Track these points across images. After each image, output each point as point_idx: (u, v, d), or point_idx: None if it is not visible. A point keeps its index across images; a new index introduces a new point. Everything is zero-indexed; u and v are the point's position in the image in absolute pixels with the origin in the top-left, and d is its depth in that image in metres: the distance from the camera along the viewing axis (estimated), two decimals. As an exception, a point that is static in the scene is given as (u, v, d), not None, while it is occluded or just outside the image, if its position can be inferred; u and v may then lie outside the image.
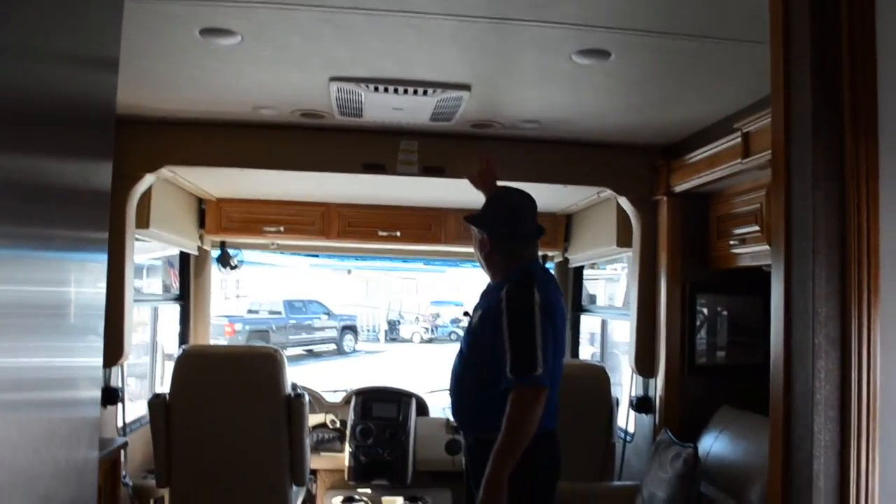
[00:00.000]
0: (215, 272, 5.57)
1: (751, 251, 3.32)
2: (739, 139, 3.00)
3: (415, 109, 3.19)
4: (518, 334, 2.50)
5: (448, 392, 2.86)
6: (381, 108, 3.18)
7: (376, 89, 2.89)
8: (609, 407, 3.98)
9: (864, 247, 1.31)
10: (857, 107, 1.33)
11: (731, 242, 3.45)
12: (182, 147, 3.67)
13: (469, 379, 2.72)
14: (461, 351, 2.79)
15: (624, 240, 4.13)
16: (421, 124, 3.50)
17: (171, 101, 3.30)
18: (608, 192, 4.05)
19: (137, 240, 3.91)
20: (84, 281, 1.26)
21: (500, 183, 3.02)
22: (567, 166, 3.86)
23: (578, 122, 3.45)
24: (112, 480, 3.40)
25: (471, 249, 5.30)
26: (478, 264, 2.97)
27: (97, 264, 1.30)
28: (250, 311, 22.16)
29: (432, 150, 3.74)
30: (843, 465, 1.29)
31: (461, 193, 4.49)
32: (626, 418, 4.12)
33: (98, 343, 1.28)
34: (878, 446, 1.29)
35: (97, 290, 1.28)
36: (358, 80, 2.84)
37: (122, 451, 3.66)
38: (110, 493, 3.38)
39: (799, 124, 1.39)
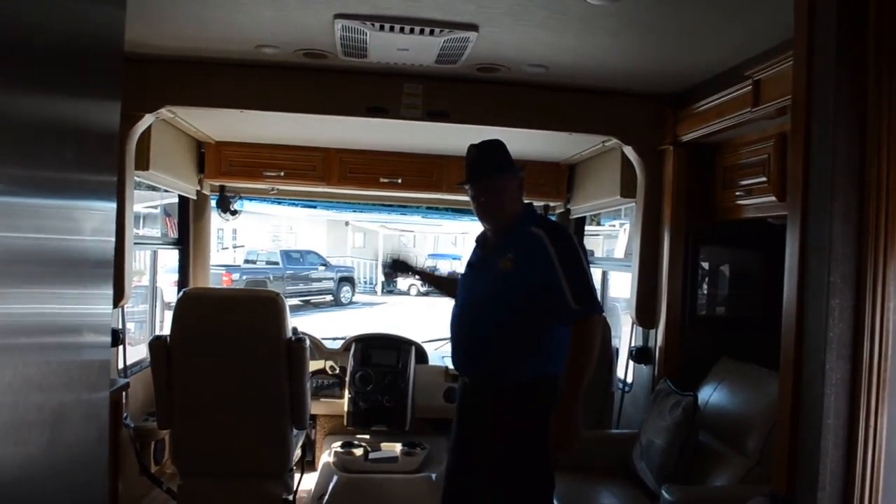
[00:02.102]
0: (215, 217, 5.53)
1: (756, 202, 3.29)
2: (749, 87, 2.96)
3: (421, 50, 3.12)
4: (573, 269, 2.63)
5: (463, 338, 2.84)
6: (386, 47, 3.12)
7: (382, 28, 2.83)
8: (609, 357, 3.99)
9: (883, 186, 1.28)
10: (883, 43, 1.29)
11: (737, 193, 3.42)
12: (183, 87, 3.60)
13: (508, 321, 2.70)
14: (485, 296, 2.77)
15: (628, 190, 4.10)
16: (426, 66, 3.43)
17: (172, 38, 3.23)
18: (613, 142, 4.01)
19: (138, 185, 3.88)
20: (94, 229, 1.24)
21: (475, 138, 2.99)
22: (573, 114, 3.81)
23: (586, 68, 3.38)
24: (114, 421, 3.42)
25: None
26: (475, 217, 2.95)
27: (106, 212, 1.27)
28: (247, 261, 22.21)
29: (437, 93, 3.68)
30: (853, 404, 1.28)
31: (465, 140, 4.44)
32: (624, 369, 4.14)
33: (108, 290, 1.26)
34: (888, 386, 1.29)
35: (107, 238, 1.26)
36: (363, 18, 2.78)
37: (124, 393, 3.67)
38: (112, 435, 3.39)
39: (822, 60, 1.35)
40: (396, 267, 3.54)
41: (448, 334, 2.98)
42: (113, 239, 1.28)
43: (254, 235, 26.07)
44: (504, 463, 2.71)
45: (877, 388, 1.28)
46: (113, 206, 1.28)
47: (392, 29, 2.84)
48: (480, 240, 2.95)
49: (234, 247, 26.07)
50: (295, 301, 21.22)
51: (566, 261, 2.64)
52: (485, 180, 2.79)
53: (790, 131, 1.47)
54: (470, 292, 2.84)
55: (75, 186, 1.16)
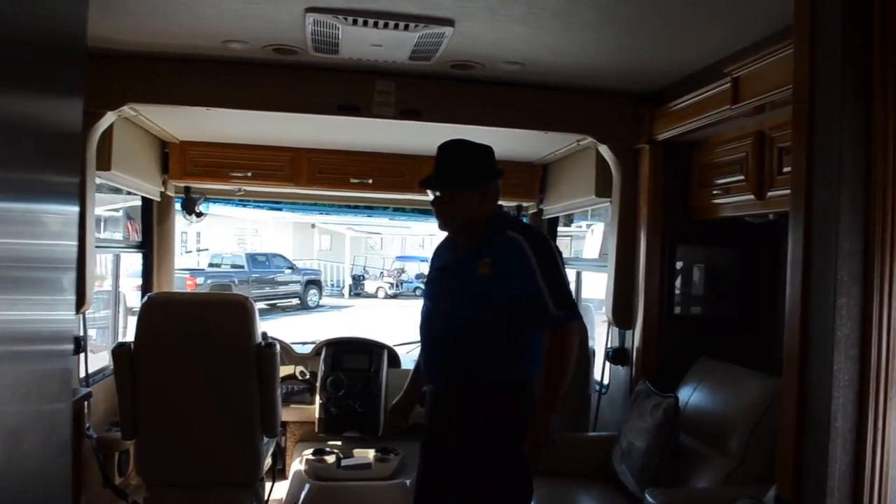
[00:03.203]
0: (179, 220, 5.39)
1: (734, 201, 3.27)
2: (728, 84, 2.93)
3: (394, 46, 3.04)
4: (553, 275, 2.59)
5: (436, 343, 2.75)
6: (358, 43, 3.03)
7: (355, 22, 2.74)
8: (585, 359, 3.94)
9: (890, 178, 1.23)
10: (889, 29, 1.24)
11: (714, 192, 3.40)
12: (146, 84, 3.47)
13: (485, 325, 2.62)
14: (460, 300, 2.68)
15: (603, 189, 4.06)
16: (399, 63, 3.35)
17: (136, 32, 3.10)
18: (588, 141, 3.96)
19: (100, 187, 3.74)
20: (55, 232, 1.15)
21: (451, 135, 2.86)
22: (549, 112, 3.75)
23: (564, 65, 3.33)
24: (76, 432, 3.26)
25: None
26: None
27: (67, 215, 1.19)
28: (212, 265, 21.97)
29: (410, 91, 3.60)
30: (861, 406, 1.23)
31: (437, 139, 4.37)
32: (601, 370, 4.10)
33: (70, 296, 1.17)
34: (897, 387, 1.24)
35: (69, 242, 1.17)
36: (336, 12, 2.68)
37: (86, 403, 3.53)
38: (74, 446, 3.23)
39: (826, 50, 1.30)
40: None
41: (418, 339, 2.91)
42: (75, 243, 1.19)
43: (218, 238, 25.74)
44: (480, 471, 2.64)
45: (885, 389, 1.23)
46: (75, 208, 1.20)
47: (365, 23, 2.75)
48: (450, 243, 2.85)
49: (199, 250, 25.73)
50: (261, 305, 20.95)
51: (546, 266, 2.60)
52: (442, 189, 2.71)
53: (793, 123, 1.41)
54: (443, 297, 2.75)
55: (35, 187, 1.07)
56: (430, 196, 2.75)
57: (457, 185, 2.66)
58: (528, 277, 2.57)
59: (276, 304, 21.73)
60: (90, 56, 3.32)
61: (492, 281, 2.61)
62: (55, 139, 1.15)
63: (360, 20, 2.73)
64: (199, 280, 19.82)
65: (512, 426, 2.60)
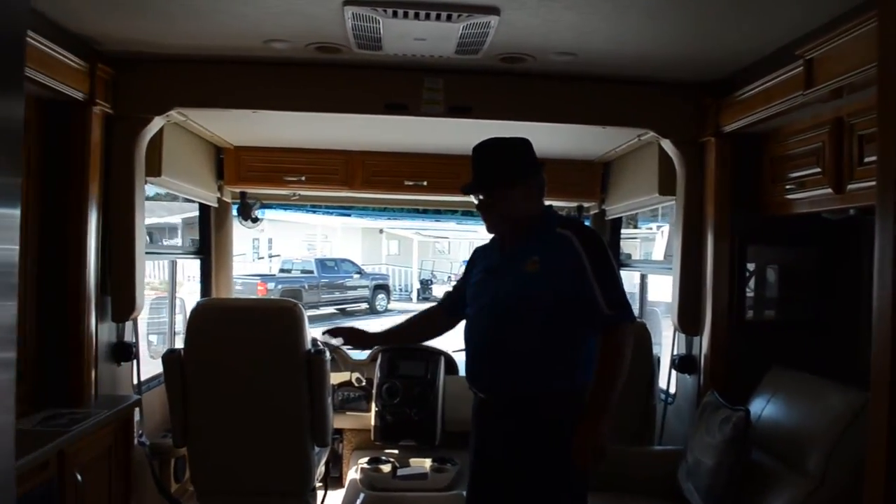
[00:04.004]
0: (237, 226, 5.39)
1: (809, 196, 3.01)
2: (801, 68, 2.68)
3: (438, 39, 2.90)
4: (605, 273, 2.47)
5: (483, 349, 2.60)
6: (401, 37, 2.90)
7: (395, 14, 2.61)
8: (650, 367, 3.72)
9: None
10: None
11: (787, 187, 3.14)
12: (191, 87, 3.43)
13: (535, 328, 2.49)
14: (508, 301, 2.54)
15: (667, 187, 3.83)
16: (446, 58, 3.20)
17: (178, 35, 3.06)
18: (649, 135, 3.74)
19: (149, 199, 3.73)
20: None
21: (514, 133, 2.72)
22: (605, 106, 3.55)
23: (619, 54, 3.13)
24: (123, 440, 3.24)
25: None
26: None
27: (3, 217, 1.11)
28: (282, 271, 22.32)
29: (459, 88, 3.46)
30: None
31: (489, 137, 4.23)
32: (667, 379, 3.86)
33: (9, 301, 1.09)
34: None
35: (8, 246, 1.09)
36: (374, 4, 2.56)
37: (138, 410, 3.51)
38: (122, 454, 3.22)
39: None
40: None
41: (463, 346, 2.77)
42: (14, 247, 1.12)
43: (289, 245, 26.18)
44: (533, 487, 2.49)
45: None
46: (14, 211, 1.11)
47: (406, 15, 2.62)
48: (496, 243, 2.72)
49: (270, 256, 26.23)
50: (330, 309, 21.29)
51: (598, 263, 2.46)
52: (480, 192, 2.59)
53: (878, 106, 1.21)
54: (489, 299, 2.61)
55: None
56: (474, 200, 2.64)
57: (492, 185, 2.55)
58: (578, 275, 2.44)
59: (344, 308, 21.96)
60: (134, 61, 3.37)
61: (540, 279, 2.48)
62: None
63: (400, 11, 2.60)
64: (270, 285, 20.12)
65: (566, 436, 2.44)
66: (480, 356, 2.61)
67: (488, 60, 3.22)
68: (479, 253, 2.84)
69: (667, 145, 3.65)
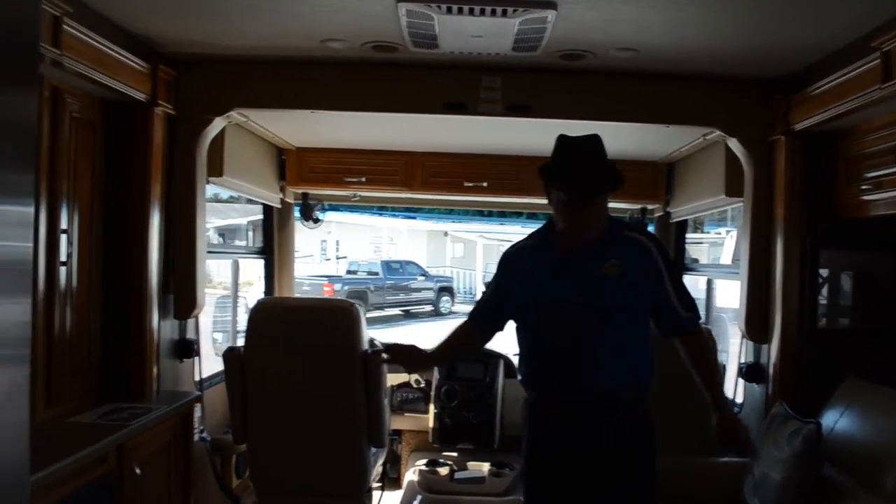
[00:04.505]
0: (304, 229, 5.46)
1: (888, 197, 2.84)
2: (878, 60, 2.53)
3: (495, 36, 2.85)
4: (678, 278, 2.61)
5: (556, 356, 2.53)
6: (457, 35, 2.86)
7: (449, 10, 2.57)
8: (715, 374, 3.58)
9: None
10: None
11: (864, 187, 2.97)
12: (250, 87, 3.47)
13: (616, 331, 2.51)
14: (585, 305, 2.48)
15: (734, 188, 3.68)
16: (503, 55, 3.15)
17: (235, 36, 3.10)
18: (715, 134, 3.60)
19: (222, 202, 3.79)
20: (7, 235, 1.08)
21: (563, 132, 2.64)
22: (669, 104, 3.43)
23: (683, 49, 3.02)
24: (183, 435, 3.29)
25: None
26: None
27: (19, 214, 1.12)
28: (349, 272, 22.58)
29: (517, 86, 3.40)
30: None
31: (550, 138, 4.14)
32: (733, 388, 3.71)
33: (22, 299, 1.09)
34: None
35: (21, 244, 1.09)
36: (428, 0, 2.53)
37: (199, 406, 3.57)
38: (181, 449, 3.26)
39: None
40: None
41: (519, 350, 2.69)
42: (28, 244, 1.11)
43: (356, 247, 26.48)
44: (635, 484, 2.51)
45: None
46: (28, 209, 1.11)
47: (460, 11, 2.58)
48: (544, 247, 2.61)
49: (338, 258, 26.57)
50: (395, 311, 21.45)
51: (671, 269, 2.57)
52: (594, 193, 2.48)
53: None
54: (565, 303, 2.51)
55: None
56: (549, 199, 2.54)
57: (612, 186, 2.49)
58: (656, 280, 2.51)
59: (409, 310, 22.09)
60: (194, 63, 3.42)
61: (622, 282, 2.47)
62: (9, 137, 1.06)
63: (455, 7, 2.56)
64: (337, 287, 20.39)
65: (643, 441, 2.53)
66: (562, 362, 2.52)
67: (547, 58, 3.15)
68: (516, 258, 2.71)
69: (734, 144, 3.51)
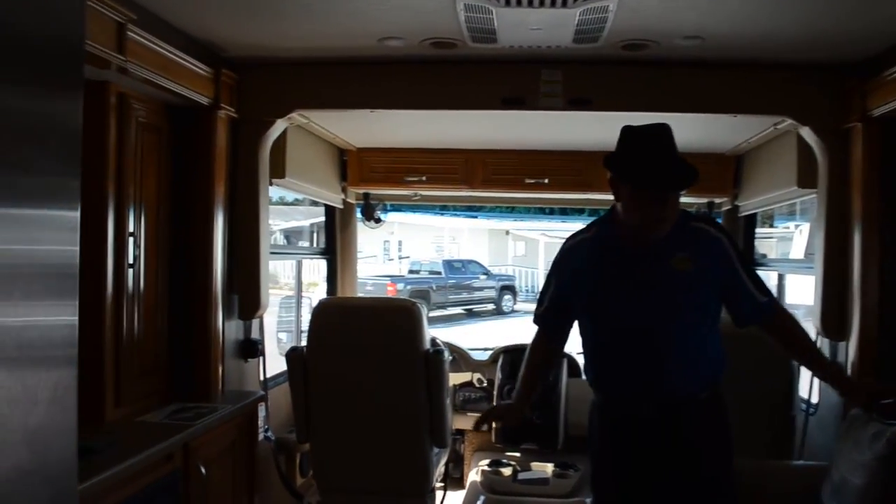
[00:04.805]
0: (383, 230, 5.49)
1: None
2: (965, 41, 2.38)
3: (555, 27, 2.78)
4: (749, 265, 2.56)
5: (629, 357, 2.43)
6: (516, 28, 2.81)
7: (508, 2, 2.52)
8: (789, 373, 3.44)
9: None
10: None
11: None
12: (310, 89, 3.49)
13: (692, 328, 2.42)
14: (660, 302, 2.38)
15: (806, 179, 3.52)
16: (564, 48, 3.08)
17: (294, 37, 3.11)
18: (787, 123, 3.45)
19: (288, 204, 3.83)
20: (53, 237, 1.09)
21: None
22: (737, 93, 3.30)
23: (750, 35, 2.90)
24: (248, 434, 3.33)
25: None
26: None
27: (67, 219, 1.13)
28: (411, 272, 22.71)
29: (578, 79, 3.32)
30: None
31: (613, 131, 4.04)
32: (808, 387, 3.55)
33: (71, 301, 1.09)
34: None
35: (69, 247, 1.10)
36: (486, -6, 2.49)
37: (263, 405, 3.61)
38: (246, 448, 3.30)
39: None
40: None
41: (588, 351, 2.59)
42: (75, 248, 1.12)
43: (418, 247, 26.62)
44: (720, 482, 2.44)
45: None
46: (73, 213, 1.11)
47: (519, 2, 2.52)
48: (608, 242, 2.48)
49: (400, 258, 26.77)
50: (457, 310, 21.49)
51: (742, 258, 2.50)
52: (676, 187, 2.36)
53: None
54: (639, 302, 2.39)
55: (33, 192, 0.99)
56: (615, 192, 2.40)
57: (685, 184, 2.35)
58: (730, 271, 2.41)
59: (471, 309, 22.10)
60: (255, 66, 3.46)
61: (692, 276, 2.37)
62: (54, 142, 1.08)
63: (513, -1, 2.51)
64: (399, 286, 20.53)
65: (726, 446, 2.47)
66: (633, 362, 2.42)
67: (608, 49, 3.07)
68: (576, 253, 2.57)
69: (806, 133, 3.36)
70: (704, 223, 2.50)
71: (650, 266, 2.39)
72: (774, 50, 3.09)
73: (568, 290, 2.56)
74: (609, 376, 2.52)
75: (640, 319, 2.38)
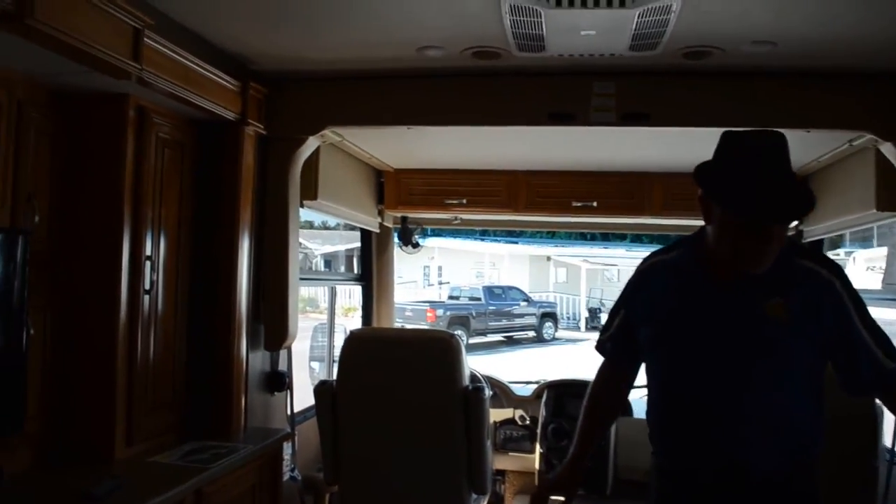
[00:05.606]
0: (422, 255, 5.28)
1: None
2: None
3: (610, 31, 2.53)
4: (870, 320, 1.93)
5: (699, 418, 1.98)
6: (567, 32, 2.55)
7: (559, 3, 2.27)
8: (871, 419, 3.09)
9: None
10: None
11: None
12: (343, 104, 3.28)
13: (781, 388, 1.94)
14: (741, 353, 1.93)
15: (887, 201, 3.18)
16: (619, 57, 2.82)
17: (326, 46, 2.91)
18: (865, 139, 3.13)
19: (320, 228, 3.62)
20: None
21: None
22: (812, 106, 2.98)
23: (830, 40, 2.60)
24: (270, 478, 3.07)
25: (685, 222, 4.49)
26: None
27: None
28: (451, 298, 22.58)
29: (634, 91, 3.05)
30: None
31: (670, 150, 3.76)
32: (892, 435, 3.19)
33: None
34: None
35: None
36: (535, -7, 2.25)
37: (291, 443, 3.37)
38: (268, 493, 3.03)
39: None
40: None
41: (653, 400, 2.16)
42: None
43: (458, 272, 26.51)
44: None
45: None
46: None
47: (571, 3, 2.27)
48: (693, 270, 2.04)
49: (440, 283, 26.66)
50: (497, 337, 21.31)
51: (861, 306, 1.93)
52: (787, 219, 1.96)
53: None
54: (715, 348, 1.96)
55: None
56: (706, 214, 1.94)
57: (799, 214, 1.99)
58: (843, 324, 1.91)
59: (512, 336, 21.88)
60: (286, 81, 3.25)
61: (790, 327, 1.90)
62: None
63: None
64: (439, 312, 20.48)
65: None
66: (705, 422, 1.98)
67: (668, 57, 2.80)
68: (652, 277, 2.15)
69: (888, 150, 3.02)
70: (814, 261, 1.98)
71: (737, 307, 1.95)
72: (855, 57, 2.77)
73: (635, 319, 2.16)
74: (672, 434, 2.08)
75: (715, 370, 1.95)
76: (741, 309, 1.92)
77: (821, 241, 4.42)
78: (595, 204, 4.40)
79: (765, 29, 2.52)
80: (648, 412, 2.15)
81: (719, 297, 1.96)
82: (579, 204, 4.41)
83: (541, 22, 2.45)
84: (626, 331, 2.17)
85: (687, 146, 3.53)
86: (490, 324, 21.40)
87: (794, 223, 4.10)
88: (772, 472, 1.93)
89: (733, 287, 1.94)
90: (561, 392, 4.24)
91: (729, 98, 3.01)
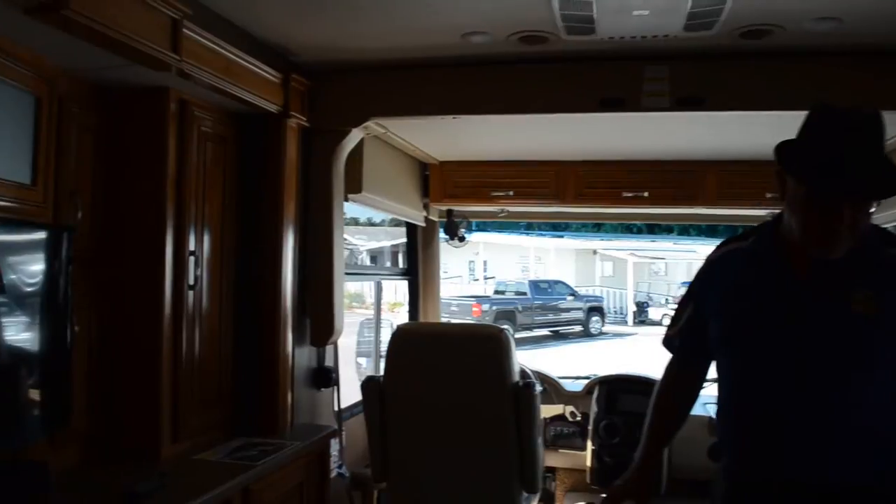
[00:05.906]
0: (467, 249, 5.22)
1: None
2: None
3: (664, 11, 2.40)
4: None
5: (775, 424, 1.80)
6: (618, 14, 2.45)
7: (611, -20, 2.17)
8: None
9: None
10: None
11: None
12: (387, 94, 3.21)
13: (870, 392, 1.75)
14: (824, 354, 1.75)
15: None
16: (672, 38, 2.69)
17: (368, 35, 2.85)
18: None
19: (365, 225, 3.57)
20: None
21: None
22: (882, 85, 2.80)
23: (899, 14, 2.44)
24: (318, 474, 3.03)
25: (740, 211, 4.32)
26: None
27: None
28: (497, 292, 22.53)
29: (688, 74, 2.91)
30: None
31: (724, 138, 3.61)
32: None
33: None
34: None
35: None
36: (586, -29, 2.15)
37: (337, 440, 3.33)
38: (314, 490, 3.00)
39: None
40: None
41: (727, 403, 1.97)
42: None
43: (503, 267, 26.40)
44: None
45: None
46: None
47: (624, -20, 2.17)
48: (771, 260, 1.86)
49: (486, 278, 26.59)
50: (543, 332, 21.18)
51: None
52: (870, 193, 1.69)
53: None
54: (788, 343, 1.79)
55: None
56: (781, 191, 1.80)
57: (886, 190, 1.67)
58: None
59: (558, 330, 21.73)
60: (330, 72, 3.18)
61: (882, 324, 1.73)
62: None
63: (618, -23, 2.16)
64: (485, 307, 20.44)
65: None
66: (781, 427, 1.80)
67: (724, 38, 2.66)
68: (724, 267, 1.98)
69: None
70: None
71: (818, 300, 1.78)
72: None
73: (705, 313, 1.98)
74: (744, 439, 1.90)
75: (794, 371, 1.77)
76: (823, 303, 1.76)
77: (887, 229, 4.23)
78: (646, 194, 4.26)
79: (829, 5, 2.37)
80: (718, 412, 2.00)
81: (798, 289, 1.79)
82: (630, 194, 4.28)
83: (591, 2, 2.34)
84: (695, 325, 2.01)
85: (742, 133, 3.39)
86: (536, 318, 21.27)
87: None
88: (852, 485, 1.76)
89: (814, 277, 1.77)
90: (613, 388, 4.11)
91: (789, 80, 2.85)
